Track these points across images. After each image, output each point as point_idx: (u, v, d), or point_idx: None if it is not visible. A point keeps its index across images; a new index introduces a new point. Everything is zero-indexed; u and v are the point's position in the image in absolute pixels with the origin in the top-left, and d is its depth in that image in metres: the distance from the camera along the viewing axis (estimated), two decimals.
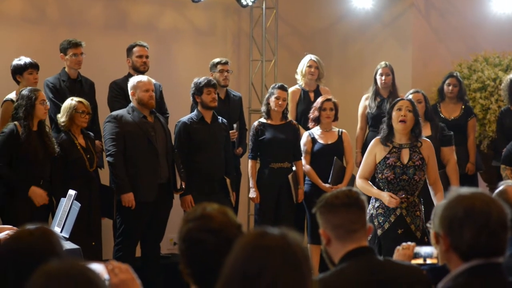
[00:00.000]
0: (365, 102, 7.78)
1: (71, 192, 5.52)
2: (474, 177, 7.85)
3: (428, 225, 2.70)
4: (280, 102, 7.04)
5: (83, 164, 6.32)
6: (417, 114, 5.74)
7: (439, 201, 6.46)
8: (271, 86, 7.20)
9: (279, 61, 8.69)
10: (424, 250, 3.73)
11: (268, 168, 7.05)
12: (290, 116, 7.32)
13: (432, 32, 8.69)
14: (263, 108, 7.17)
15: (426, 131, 6.78)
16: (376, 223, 5.61)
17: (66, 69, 6.85)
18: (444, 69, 8.31)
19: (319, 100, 7.23)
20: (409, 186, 5.63)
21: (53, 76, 6.83)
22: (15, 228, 4.69)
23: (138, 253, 6.76)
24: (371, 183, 5.77)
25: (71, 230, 5.36)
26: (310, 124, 7.25)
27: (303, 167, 7.15)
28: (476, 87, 8.10)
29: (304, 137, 7.23)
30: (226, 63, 7.43)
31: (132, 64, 7.09)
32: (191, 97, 6.85)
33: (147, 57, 7.10)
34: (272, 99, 7.06)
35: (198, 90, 6.75)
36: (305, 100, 7.69)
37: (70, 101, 6.35)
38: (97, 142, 6.71)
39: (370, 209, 5.66)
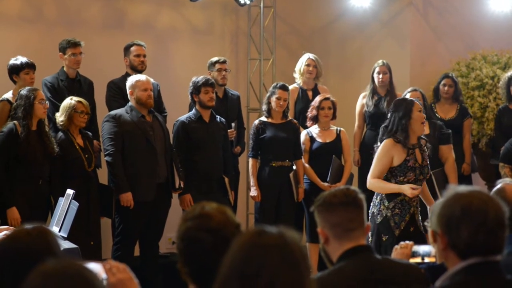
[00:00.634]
0: (363, 101, 7.78)
1: (69, 192, 5.52)
2: (469, 178, 7.83)
3: (426, 223, 2.70)
4: (281, 103, 7.04)
5: (82, 164, 6.31)
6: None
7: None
8: (272, 86, 7.19)
9: (277, 60, 8.68)
10: (422, 248, 3.74)
11: (269, 166, 7.05)
12: (289, 115, 7.32)
13: (430, 30, 8.68)
14: (264, 107, 7.16)
15: (425, 129, 6.77)
16: (392, 224, 5.55)
17: (65, 69, 6.83)
18: (442, 67, 8.31)
19: (317, 99, 7.22)
20: (422, 185, 5.71)
21: (51, 76, 6.82)
22: (12, 228, 4.70)
23: (136, 252, 6.77)
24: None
25: (70, 230, 5.37)
26: (308, 123, 7.25)
27: None
28: (474, 85, 8.09)
29: (303, 135, 7.22)
30: (224, 62, 7.43)
31: (129, 63, 7.08)
32: (189, 96, 6.84)
33: (144, 56, 7.10)
34: (273, 99, 7.05)
35: (196, 89, 6.75)
36: (303, 99, 7.69)
37: (70, 101, 6.32)
38: (95, 142, 6.70)
39: (382, 210, 5.60)
